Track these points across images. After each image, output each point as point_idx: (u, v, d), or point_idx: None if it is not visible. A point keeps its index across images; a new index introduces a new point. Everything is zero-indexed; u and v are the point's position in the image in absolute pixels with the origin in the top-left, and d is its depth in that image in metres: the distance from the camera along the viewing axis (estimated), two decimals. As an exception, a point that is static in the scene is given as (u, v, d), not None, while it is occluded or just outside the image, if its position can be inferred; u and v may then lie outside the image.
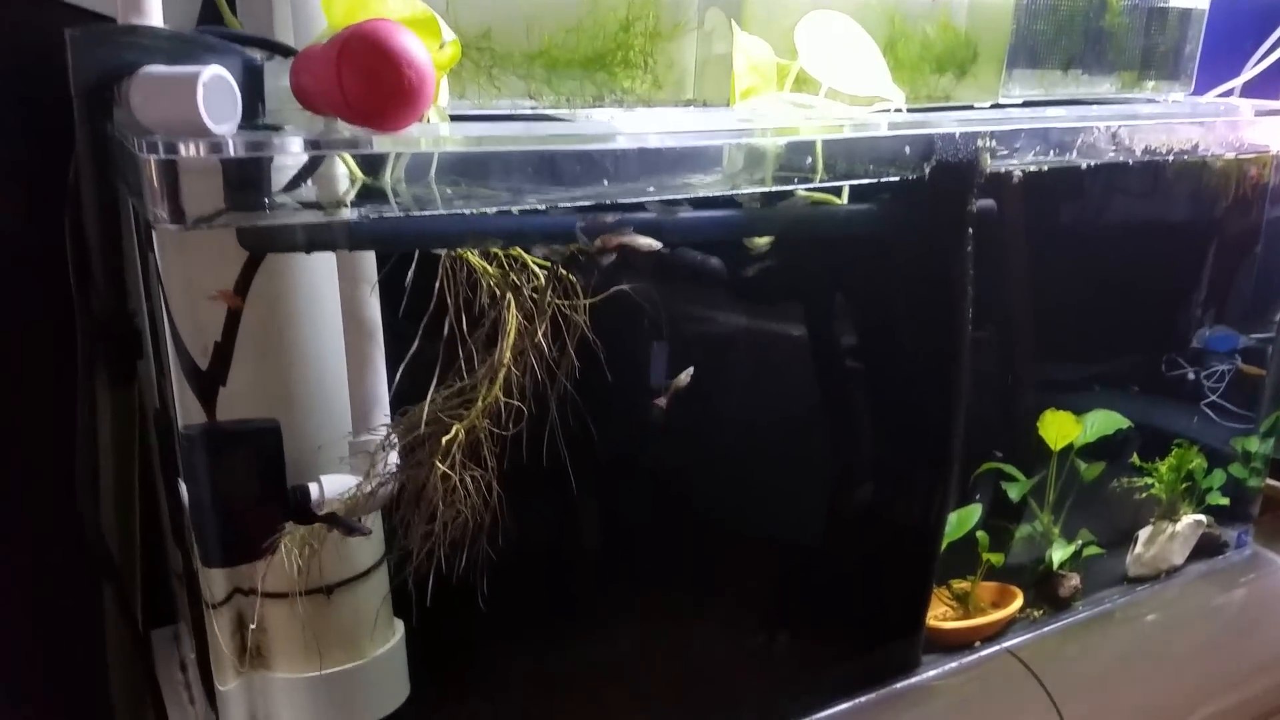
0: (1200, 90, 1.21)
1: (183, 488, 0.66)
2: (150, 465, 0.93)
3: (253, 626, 0.74)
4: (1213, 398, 1.28)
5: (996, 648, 1.06)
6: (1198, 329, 1.29)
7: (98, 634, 0.97)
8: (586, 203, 0.67)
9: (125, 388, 0.80)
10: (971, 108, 1.00)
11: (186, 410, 0.63)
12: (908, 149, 0.78)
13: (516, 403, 0.70)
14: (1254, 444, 1.28)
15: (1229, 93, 1.35)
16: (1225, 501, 1.25)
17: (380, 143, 0.59)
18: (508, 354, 0.68)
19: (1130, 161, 0.93)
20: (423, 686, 0.82)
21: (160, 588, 1.04)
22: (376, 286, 0.69)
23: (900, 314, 0.91)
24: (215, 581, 0.69)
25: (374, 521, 0.77)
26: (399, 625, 0.82)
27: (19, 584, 1.06)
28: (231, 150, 0.54)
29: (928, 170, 0.80)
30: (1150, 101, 1.14)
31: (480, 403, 0.68)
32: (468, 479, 0.69)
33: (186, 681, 0.98)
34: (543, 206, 0.65)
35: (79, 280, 0.74)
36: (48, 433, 0.99)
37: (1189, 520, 1.21)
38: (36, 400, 0.99)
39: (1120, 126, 0.89)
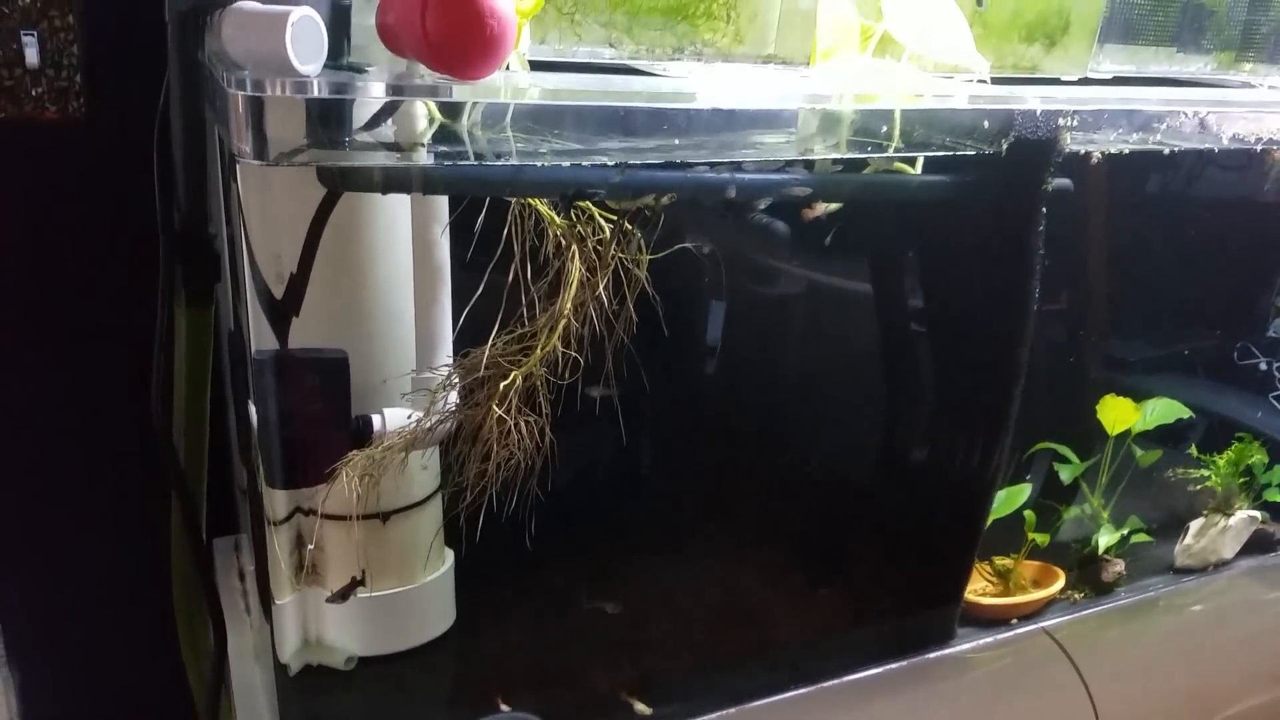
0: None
1: (252, 410, 0.69)
2: (221, 383, 0.96)
3: (310, 546, 0.77)
4: (1283, 390, 1.25)
5: (1033, 626, 1.05)
6: (1276, 319, 1.25)
7: (162, 542, 1.02)
8: (656, 159, 0.67)
9: (202, 308, 0.83)
10: (1059, 81, 0.97)
11: (260, 336, 0.66)
12: (986, 123, 0.77)
13: (574, 354, 0.71)
14: (1320, 441, 1.25)
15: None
16: (1284, 498, 1.22)
17: (460, 91, 0.60)
18: (569, 305, 0.70)
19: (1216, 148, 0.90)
20: (468, 614, 0.85)
21: (224, 498, 1.08)
22: (447, 229, 0.70)
23: (968, 286, 0.90)
24: (278, 502, 0.72)
25: (431, 457, 0.79)
26: (449, 555, 0.85)
27: (94, 496, 1.11)
28: (316, 91, 0.55)
29: (1005, 146, 0.78)
30: (1245, 85, 1.09)
31: (539, 351, 0.70)
32: (522, 423, 0.71)
33: (244, 590, 1.02)
34: (612, 161, 0.65)
35: (163, 199, 0.76)
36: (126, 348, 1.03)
37: (1243, 515, 1.19)
38: (115, 315, 1.03)
39: (1209, 113, 0.86)
